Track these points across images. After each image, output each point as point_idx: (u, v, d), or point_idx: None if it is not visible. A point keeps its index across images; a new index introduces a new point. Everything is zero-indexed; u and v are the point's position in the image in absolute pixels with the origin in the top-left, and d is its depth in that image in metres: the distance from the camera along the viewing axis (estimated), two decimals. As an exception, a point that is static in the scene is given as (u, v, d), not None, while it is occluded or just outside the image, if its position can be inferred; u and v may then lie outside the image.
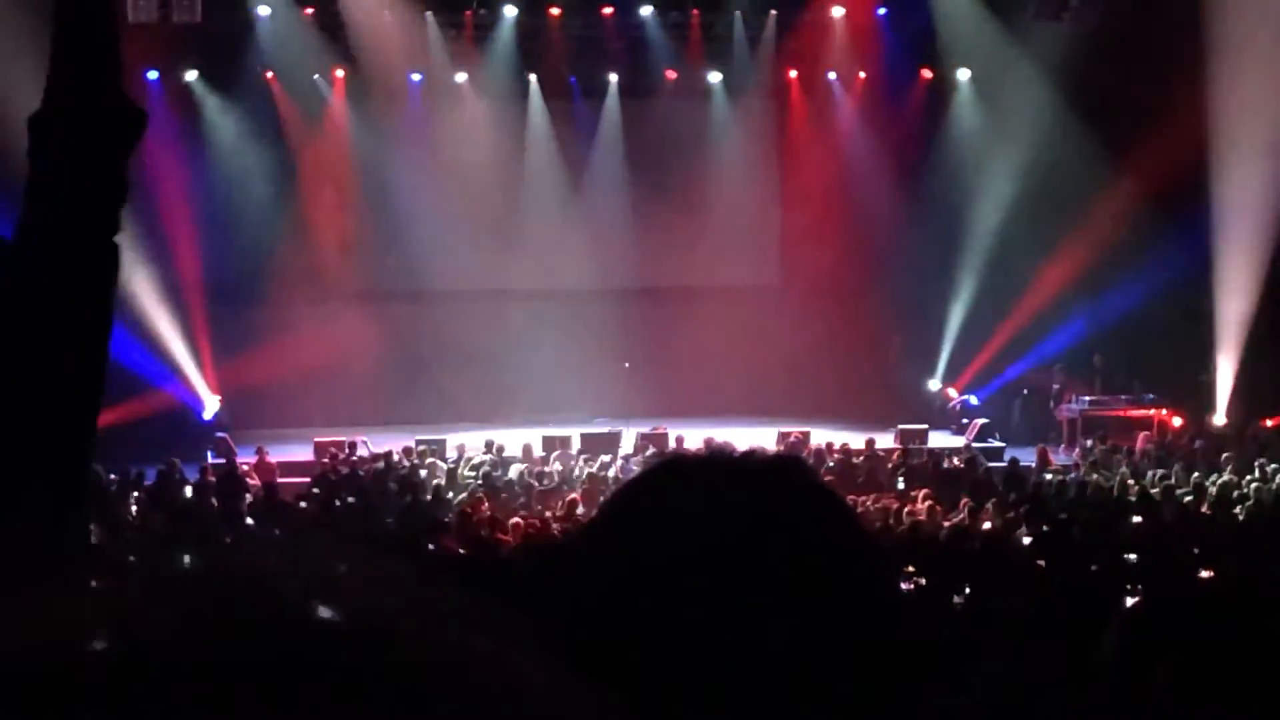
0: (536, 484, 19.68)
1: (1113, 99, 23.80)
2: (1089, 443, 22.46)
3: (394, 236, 27.20)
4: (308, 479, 19.91)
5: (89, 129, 2.00)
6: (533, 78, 26.98)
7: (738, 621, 1.26)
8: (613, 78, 27.18)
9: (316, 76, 26.47)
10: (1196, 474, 18.90)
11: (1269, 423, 22.70)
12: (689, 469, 1.41)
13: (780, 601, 1.28)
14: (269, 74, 26.09)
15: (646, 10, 26.33)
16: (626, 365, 25.41)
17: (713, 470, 1.40)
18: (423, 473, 20.05)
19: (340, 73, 26.29)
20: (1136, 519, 14.96)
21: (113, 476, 18.42)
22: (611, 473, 19.71)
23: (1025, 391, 25.61)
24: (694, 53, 26.93)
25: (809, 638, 1.27)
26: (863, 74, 27.37)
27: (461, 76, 26.93)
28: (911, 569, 10.66)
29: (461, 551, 12.16)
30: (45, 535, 1.73)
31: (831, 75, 27.44)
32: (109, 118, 2.02)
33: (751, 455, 1.45)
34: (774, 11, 26.38)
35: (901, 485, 19.51)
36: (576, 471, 20.37)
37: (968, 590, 9.95)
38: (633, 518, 1.38)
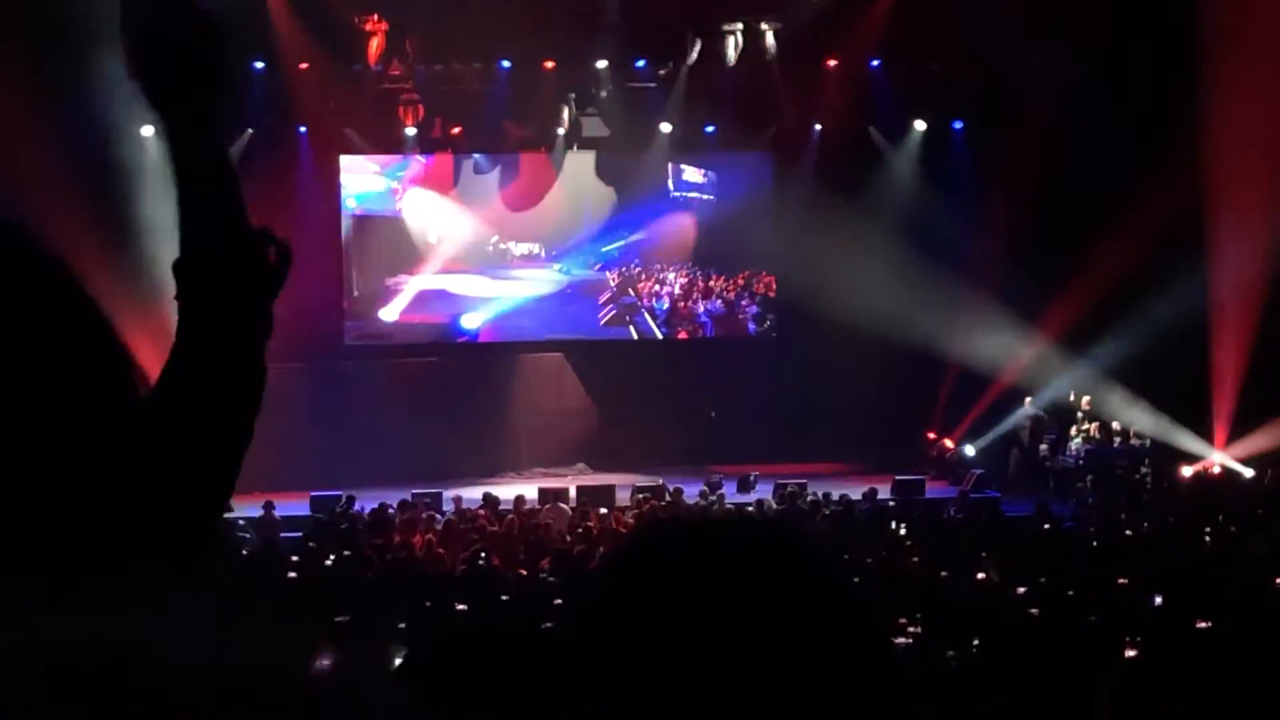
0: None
1: (1109, 147, 23.85)
2: (1085, 493, 22.51)
3: (384, 292, 27.39)
4: (301, 533, 19.83)
5: (234, 273, 2.05)
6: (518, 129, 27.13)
7: (738, 690, 1.26)
8: (599, 129, 27.28)
9: (303, 129, 26.53)
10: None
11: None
12: (684, 535, 1.40)
13: (779, 668, 1.27)
14: (249, 130, 26.06)
15: (641, 63, 26.47)
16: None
17: (709, 539, 1.39)
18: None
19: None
20: (1133, 570, 14.90)
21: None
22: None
23: (1021, 441, 25.63)
24: (686, 105, 27.00)
25: (807, 703, 1.27)
26: (858, 125, 27.46)
27: (456, 130, 27.10)
28: (905, 621, 10.61)
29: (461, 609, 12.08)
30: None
31: (818, 126, 27.58)
32: (252, 261, 2.07)
33: (746, 521, 1.44)
34: (773, 64, 26.47)
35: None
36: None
37: (971, 642, 9.91)
38: (632, 588, 1.37)
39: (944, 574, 14.36)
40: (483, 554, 16.19)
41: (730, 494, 23.02)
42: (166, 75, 2.04)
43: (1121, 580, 13.59)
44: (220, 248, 2.04)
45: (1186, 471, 23.46)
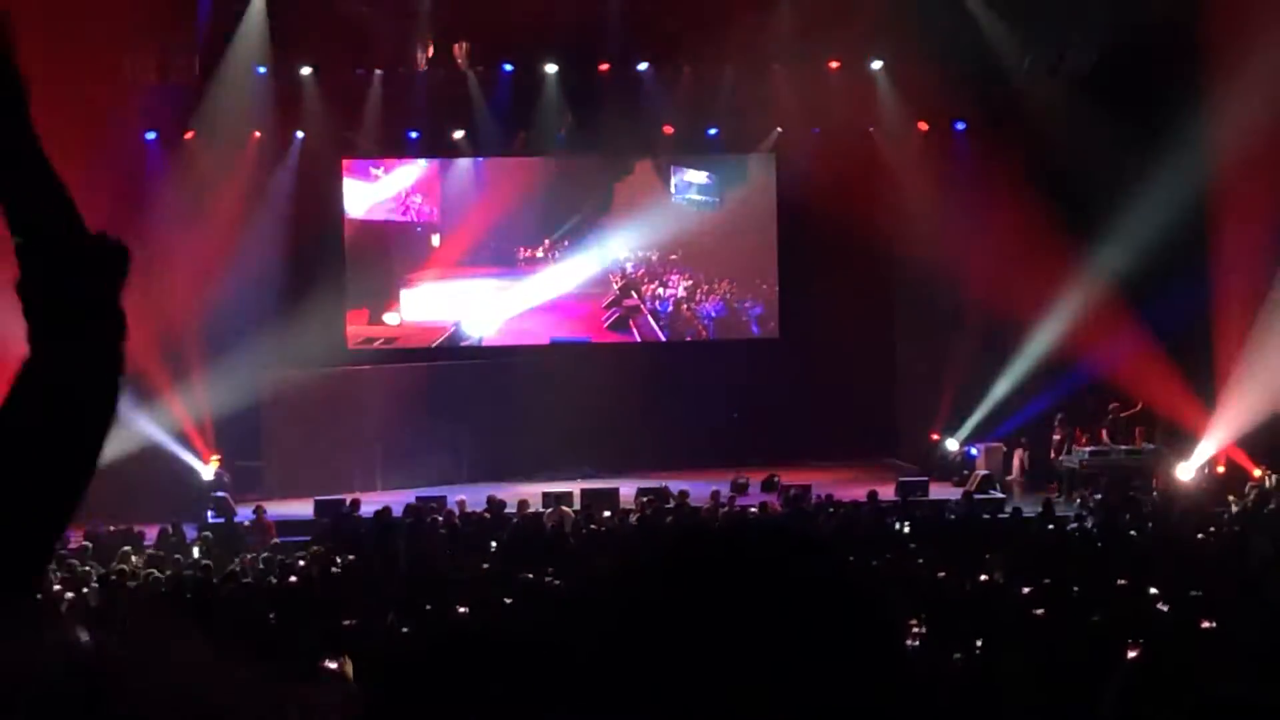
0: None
1: (1110, 146, 23.83)
2: (1091, 492, 22.50)
3: (388, 297, 27.47)
4: (308, 537, 19.82)
5: (72, 281, 2.03)
6: (521, 132, 27.17)
7: (756, 691, 1.28)
8: (601, 132, 27.23)
9: (299, 134, 26.53)
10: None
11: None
12: (704, 544, 1.43)
13: (794, 667, 1.29)
14: (256, 134, 26.16)
15: (643, 66, 26.47)
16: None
17: (735, 546, 1.42)
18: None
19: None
20: (1137, 570, 14.89)
21: (111, 529, 18.93)
22: None
23: (1026, 442, 25.61)
24: (688, 108, 26.96)
25: (823, 702, 1.29)
26: (859, 126, 27.42)
27: (459, 134, 27.12)
28: (911, 622, 10.61)
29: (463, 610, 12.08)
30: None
31: (818, 128, 27.53)
32: (87, 265, 2.05)
33: (765, 526, 1.47)
34: (774, 66, 26.45)
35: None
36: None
37: (977, 643, 9.91)
38: (663, 595, 1.41)
39: (942, 574, 14.35)
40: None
41: (753, 493, 23.18)
42: None
43: (1125, 580, 13.59)
44: (62, 257, 2.02)
45: (1191, 471, 23.43)
